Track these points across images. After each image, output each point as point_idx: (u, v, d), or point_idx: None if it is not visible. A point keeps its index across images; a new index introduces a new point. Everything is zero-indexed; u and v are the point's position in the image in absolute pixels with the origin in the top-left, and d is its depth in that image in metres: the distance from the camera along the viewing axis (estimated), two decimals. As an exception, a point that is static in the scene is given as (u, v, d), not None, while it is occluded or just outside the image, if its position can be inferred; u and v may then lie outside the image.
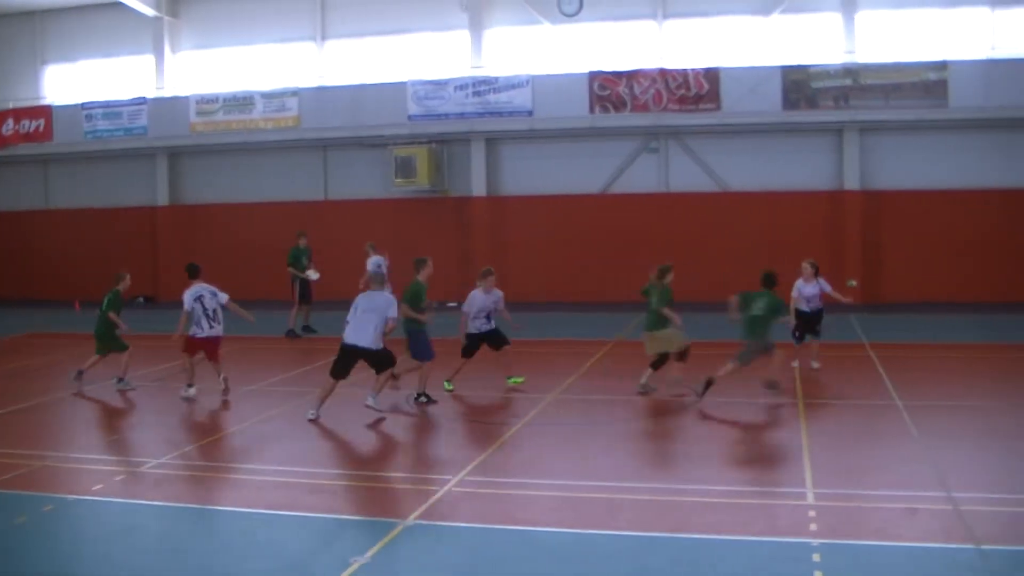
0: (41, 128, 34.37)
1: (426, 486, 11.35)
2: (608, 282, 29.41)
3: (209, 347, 16.86)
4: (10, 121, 34.68)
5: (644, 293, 16.71)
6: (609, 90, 29.32)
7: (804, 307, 18.37)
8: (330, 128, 31.46)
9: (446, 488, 11.17)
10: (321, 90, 31.94)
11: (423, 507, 10.46)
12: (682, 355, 16.23)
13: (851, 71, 28.30)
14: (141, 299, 33.37)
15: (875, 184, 28.57)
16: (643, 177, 30.13)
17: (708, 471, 11.94)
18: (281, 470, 12.41)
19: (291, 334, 24.29)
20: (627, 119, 29.36)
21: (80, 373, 17.73)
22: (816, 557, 8.54)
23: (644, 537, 9.45)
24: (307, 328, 24.45)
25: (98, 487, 11.32)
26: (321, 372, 18.67)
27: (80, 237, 34.58)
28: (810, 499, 10.40)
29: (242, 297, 30.84)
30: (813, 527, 9.37)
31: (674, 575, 8.54)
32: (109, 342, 17.99)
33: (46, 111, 34.58)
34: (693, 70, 28.97)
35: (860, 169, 28.55)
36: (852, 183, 28.63)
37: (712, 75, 28.71)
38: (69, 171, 35.39)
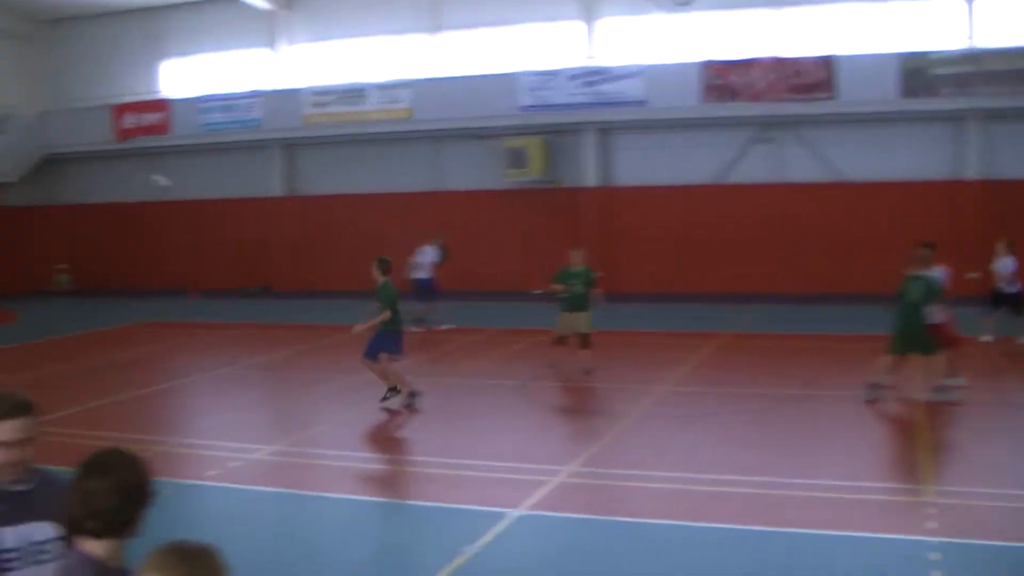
0: (160, 121, 35.08)
1: (537, 476, 11.32)
2: (720, 273, 29.17)
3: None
4: (130, 115, 35.43)
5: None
6: (722, 79, 28.89)
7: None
8: (442, 119, 31.55)
9: (557, 479, 11.16)
10: (433, 81, 31.97)
11: (534, 497, 10.47)
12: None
13: (973, 57, 27.48)
14: (257, 289, 33.96)
15: (997, 174, 27.88)
16: (756, 167, 29.65)
17: (824, 465, 11.68)
18: (392, 458, 12.57)
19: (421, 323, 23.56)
20: (740, 108, 28.87)
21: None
22: (934, 556, 8.32)
23: (756, 531, 9.33)
24: (421, 321, 24.16)
25: (212, 473, 11.56)
26: (430, 362, 18.88)
27: (197, 228, 35.26)
28: (931, 496, 10.12)
29: (354, 288, 31.45)
30: (932, 525, 9.11)
31: (787, 571, 8.41)
32: None
33: (164, 105, 35.28)
34: (808, 58, 28.38)
35: (982, 158, 27.91)
36: (973, 172, 27.95)
37: (827, 63, 28.04)
38: (185, 163, 36.07)
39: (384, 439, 13.84)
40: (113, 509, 3.59)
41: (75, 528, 3.67)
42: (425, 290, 23.87)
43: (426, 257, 24.11)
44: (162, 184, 17.43)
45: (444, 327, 23.39)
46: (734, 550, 8.95)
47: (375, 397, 15.34)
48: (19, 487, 4.46)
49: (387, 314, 14.88)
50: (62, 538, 4.34)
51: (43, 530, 4.43)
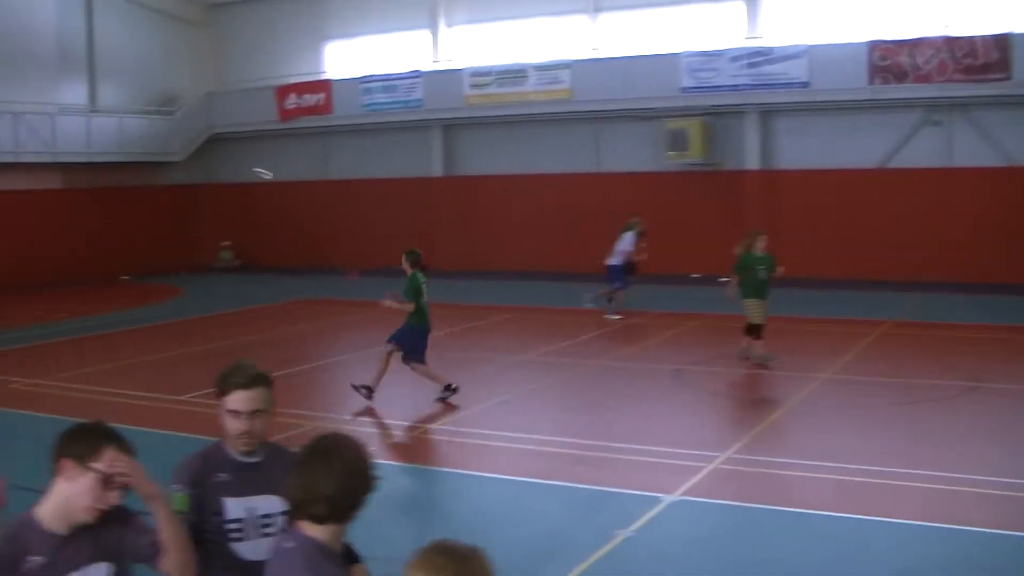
0: (321, 102, 35.72)
1: (693, 462, 11.21)
2: (882, 259, 28.55)
3: None
4: (293, 95, 36.17)
5: None
6: (889, 60, 28.01)
7: None
8: (602, 100, 31.37)
9: (713, 465, 11.06)
10: (594, 62, 31.80)
11: (689, 483, 10.39)
12: None
13: None
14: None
15: None
16: (923, 151, 28.76)
17: (990, 460, 11.26)
18: (547, 439, 12.56)
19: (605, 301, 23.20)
20: (908, 90, 27.98)
21: None
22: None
23: (921, 527, 9.08)
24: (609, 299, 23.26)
25: (371, 450, 11.79)
26: (590, 344, 18.95)
27: (358, 207, 35.89)
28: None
29: (517, 268, 31.71)
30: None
31: (951, 569, 8.18)
32: None
33: (326, 85, 35.90)
34: (981, 37, 27.23)
35: None
36: None
37: (1002, 42, 26.88)
38: (347, 143, 36.72)
39: (539, 421, 13.84)
40: (337, 494, 3.59)
41: (298, 512, 3.66)
42: (615, 275, 23.02)
43: (623, 244, 23.09)
44: (265, 177, 17.22)
45: (613, 317, 22.73)
46: (904, 545, 8.73)
47: (535, 377, 15.43)
48: (250, 459, 4.52)
49: (410, 305, 14.62)
50: (287, 513, 4.42)
51: (270, 503, 4.47)
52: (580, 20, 33.25)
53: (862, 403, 14.31)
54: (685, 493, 10.10)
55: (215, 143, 38.30)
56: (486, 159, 34.56)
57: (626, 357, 18.22)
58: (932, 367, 16.48)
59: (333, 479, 3.58)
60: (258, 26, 38.29)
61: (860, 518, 9.34)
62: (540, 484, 10.68)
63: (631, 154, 32.09)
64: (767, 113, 30.37)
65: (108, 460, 3.72)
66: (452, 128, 34.90)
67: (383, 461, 10.98)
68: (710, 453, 11.52)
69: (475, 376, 16.66)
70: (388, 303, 14.85)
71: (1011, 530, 8.89)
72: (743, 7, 30.85)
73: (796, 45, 29.30)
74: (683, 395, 15.38)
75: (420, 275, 14.97)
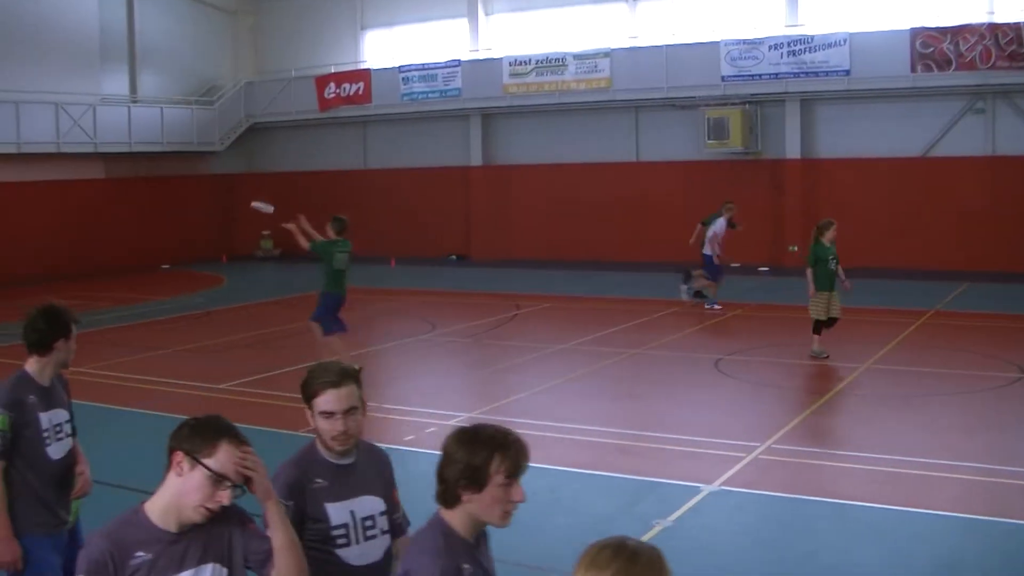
0: (360, 91, 35.78)
1: (732, 452, 11.16)
2: (925, 248, 28.26)
3: None
4: (332, 85, 36.26)
5: None
6: (932, 47, 27.71)
7: None
8: (642, 89, 31.26)
9: (753, 455, 11.00)
10: (633, 51, 31.68)
11: (729, 473, 10.36)
12: None
13: None
14: (454, 257, 34.53)
15: None
16: (967, 140, 28.42)
17: None
18: (588, 430, 12.58)
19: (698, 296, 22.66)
20: (951, 78, 27.70)
21: None
22: None
23: (961, 519, 9.02)
24: (698, 294, 22.73)
25: (409, 438, 11.87)
26: (630, 333, 18.91)
27: (396, 196, 35.90)
28: None
29: (550, 257, 31.68)
30: None
31: (989, 563, 8.11)
32: None
33: (365, 75, 35.94)
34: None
35: None
36: None
37: None
38: (386, 132, 36.79)
39: (582, 410, 13.79)
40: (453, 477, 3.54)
41: (449, 495, 3.57)
42: (708, 266, 22.40)
43: (716, 229, 22.26)
44: (265, 211, 17.45)
45: (711, 306, 22.08)
46: (944, 536, 8.70)
47: (573, 366, 15.38)
48: (344, 460, 4.36)
49: (303, 236, 15.02)
50: (384, 512, 4.39)
51: (371, 504, 4.38)
52: (619, 8, 33.16)
53: (903, 394, 14.19)
54: (725, 483, 10.08)
55: (255, 132, 38.47)
56: (524, 148, 34.52)
57: (667, 346, 18.16)
58: (976, 357, 16.29)
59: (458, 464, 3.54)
60: (297, 15, 38.43)
61: (901, 510, 9.27)
62: (582, 473, 10.69)
63: (671, 143, 31.95)
64: (808, 102, 30.16)
65: (222, 457, 3.57)
66: (490, 117, 34.90)
67: (423, 450, 11.11)
68: (751, 443, 11.47)
69: (516, 365, 16.65)
70: (256, 205, 15.73)
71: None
72: (784, -5, 30.59)
73: (837, 33, 29.09)
74: (724, 385, 15.26)
75: (342, 242, 15.18)
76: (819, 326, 16.34)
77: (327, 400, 4.24)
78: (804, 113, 30.24)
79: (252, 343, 18.75)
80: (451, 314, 22.16)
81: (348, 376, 4.30)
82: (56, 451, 5.77)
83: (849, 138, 29.76)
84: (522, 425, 12.60)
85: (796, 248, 28.17)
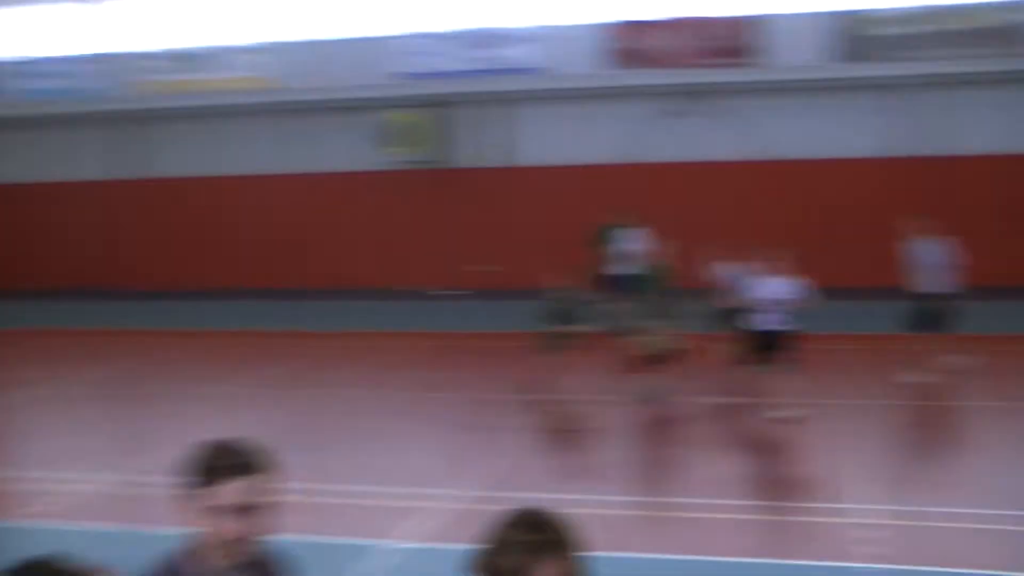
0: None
1: (417, 502, 10.32)
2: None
3: None
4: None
5: None
6: (629, 43, 26.33)
7: None
8: (302, 90, 27.82)
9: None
10: (293, 46, 28.12)
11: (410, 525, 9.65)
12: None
13: (918, 16, 25.17)
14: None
15: (943, 148, 25.35)
16: (667, 143, 26.70)
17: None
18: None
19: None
20: (645, 76, 26.22)
21: None
22: None
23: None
24: None
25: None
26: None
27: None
28: None
29: (218, 286, 26.89)
30: None
31: None
32: None
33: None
34: (729, 18, 26.05)
35: (925, 131, 25.27)
36: (915, 147, 25.29)
37: (752, 24, 25.75)
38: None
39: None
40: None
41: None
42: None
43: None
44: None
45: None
46: None
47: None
48: (234, 571, 3.53)
49: None
50: None
51: None
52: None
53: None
54: (401, 538, 9.39)
55: None
56: (167, 159, 30.11)
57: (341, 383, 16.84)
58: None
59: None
60: None
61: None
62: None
63: (339, 151, 28.59)
64: (500, 102, 27.84)
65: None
66: (116, 121, 30.16)
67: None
68: (446, 491, 10.68)
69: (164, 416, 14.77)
70: None
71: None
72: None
73: (526, 27, 27.28)
74: (415, 425, 14.09)
75: None
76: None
77: (229, 491, 3.40)
78: (499, 115, 27.97)
79: None
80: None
81: (248, 465, 3.44)
82: None
83: (546, 143, 27.71)
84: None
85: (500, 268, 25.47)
